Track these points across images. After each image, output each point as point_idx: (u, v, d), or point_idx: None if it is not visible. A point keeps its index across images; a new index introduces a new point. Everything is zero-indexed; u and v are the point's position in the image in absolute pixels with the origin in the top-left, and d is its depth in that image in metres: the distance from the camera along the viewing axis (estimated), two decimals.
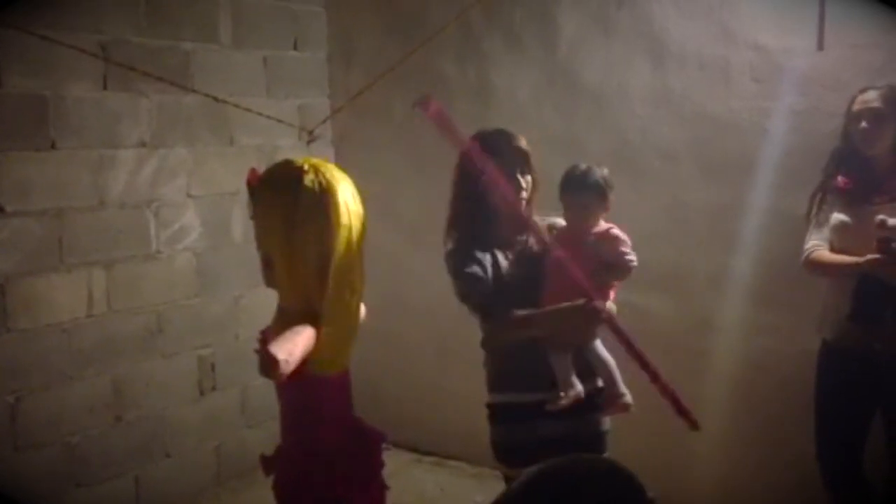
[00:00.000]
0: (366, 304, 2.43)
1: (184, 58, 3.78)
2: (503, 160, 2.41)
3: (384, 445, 2.41)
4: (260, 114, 3.35)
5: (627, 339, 2.33)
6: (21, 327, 3.27)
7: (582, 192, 2.46)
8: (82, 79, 3.42)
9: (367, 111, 4.25)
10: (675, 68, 3.51)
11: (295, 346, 2.08)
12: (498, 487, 2.17)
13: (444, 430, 4.22)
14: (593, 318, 2.35)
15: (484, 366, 2.59)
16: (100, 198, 3.51)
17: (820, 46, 3.00)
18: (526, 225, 2.44)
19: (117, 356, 3.59)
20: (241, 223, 3.99)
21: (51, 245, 3.35)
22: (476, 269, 2.39)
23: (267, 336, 2.19)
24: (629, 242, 2.49)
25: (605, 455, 2.45)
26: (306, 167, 2.20)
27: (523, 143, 2.49)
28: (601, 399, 2.52)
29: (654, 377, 2.34)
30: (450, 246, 2.49)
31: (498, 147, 2.44)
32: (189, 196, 3.85)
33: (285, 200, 2.17)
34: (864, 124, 2.72)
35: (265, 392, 2.99)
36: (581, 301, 2.32)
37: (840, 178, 2.80)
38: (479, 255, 2.41)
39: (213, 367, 3.98)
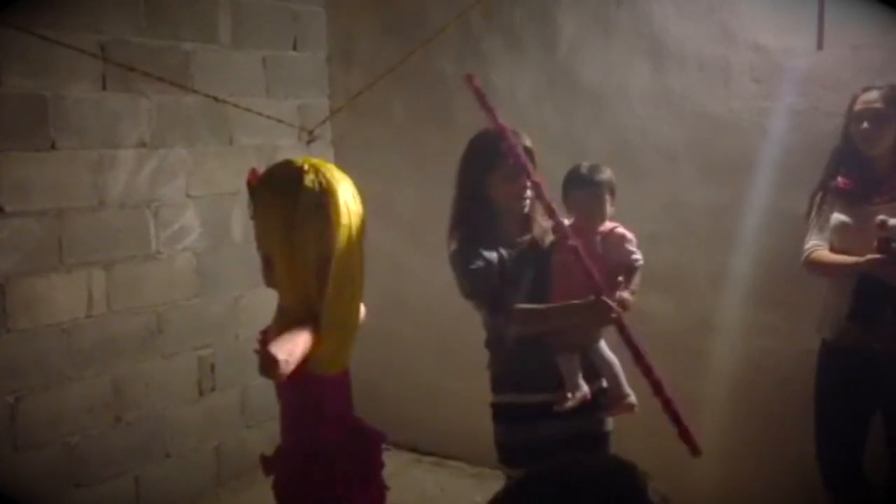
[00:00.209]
0: (366, 304, 2.43)
1: (183, 58, 3.78)
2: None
3: (384, 445, 2.41)
4: (260, 114, 3.35)
5: (635, 345, 2.32)
6: (21, 327, 3.27)
7: (590, 189, 2.45)
8: (82, 79, 3.42)
9: (366, 111, 4.25)
10: (674, 68, 3.51)
11: (295, 346, 2.08)
12: (498, 488, 2.17)
13: (444, 430, 4.22)
14: (603, 315, 2.34)
15: (488, 367, 2.59)
16: (99, 198, 3.51)
17: (819, 46, 3.00)
18: (553, 219, 2.41)
19: (117, 356, 3.59)
20: (240, 223, 3.99)
21: (50, 245, 3.35)
22: (482, 265, 2.38)
23: (267, 336, 2.19)
24: (635, 241, 2.48)
25: (611, 454, 2.44)
26: (306, 167, 2.20)
27: (528, 141, 2.49)
28: (605, 400, 2.52)
29: (658, 389, 2.33)
30: (454, 246, 2.48)
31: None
32: (189, 196, 3.85)
33: (285, 201, 2.17)
34: (865, 125, 2.72)
35: (265, 392, 2.99)
36: (592, 297, 2.32)
37: (840, 178, 2.80)
38: (485, 252, 2.41)
39: (212, 367, 3.98)
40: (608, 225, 2.49)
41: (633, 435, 2.68)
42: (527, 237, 2.52)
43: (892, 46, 3.04)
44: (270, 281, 2.28)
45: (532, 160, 2.45)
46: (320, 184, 2.17)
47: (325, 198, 2.16)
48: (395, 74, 3.30)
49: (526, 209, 2.48)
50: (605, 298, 2.30)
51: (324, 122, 3.95)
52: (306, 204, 2.15)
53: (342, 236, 2.18)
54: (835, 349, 2.87)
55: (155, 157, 3.71)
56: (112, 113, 3.53)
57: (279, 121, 3.57)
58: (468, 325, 2.64)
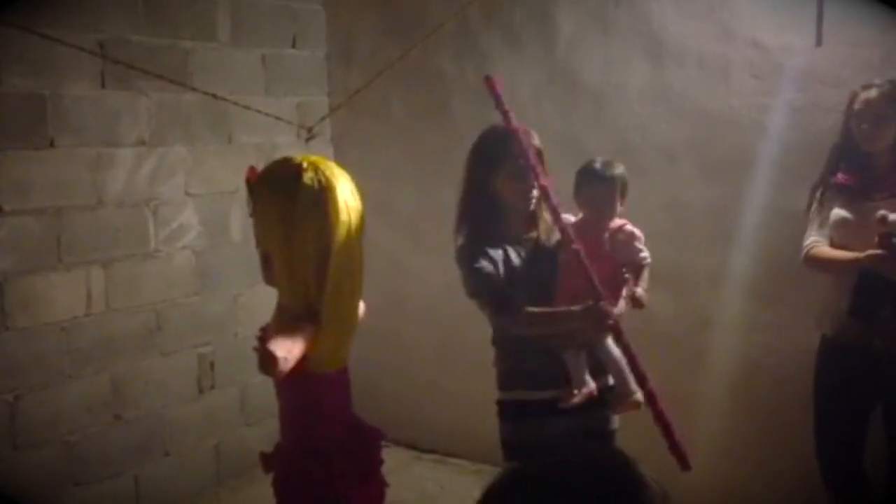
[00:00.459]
0: (365, 302, 2.43)
1: (183, 56, 3.78)
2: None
3: (383, 443, 2.41)
4: (259, 111, 3.35)
5: (632, 353, 2.33)
6: (20, 326, 3.27)
7: (603, 184, 2.46)
8: (81, 77, 3.41)
9: (365, 109, 4.24)
10: (673, 66, 3.51)
11: (294, 343, 2.08)
12: None
13: (444, 428, 4.22)
14: (601, 321, 2.34)
15: (494, 364, 2.59)
16: (98, 196, 3.51)
17: (818, 42, 3.00)
18: (557, 224, 2.42)
19: (116, 355, 3.59)
20: (240, 221, 3.99)
21: (49, 244, 3.35)
22: (486, 265, 2.38)
23: (266, 333, 2.19)
24: (643, 239, 2.49)
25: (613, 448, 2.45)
26: (305, 165, 2.20)
27: (538, 141, 2.50)
28: (611, 397, 2.52)
29: (651, 399, 2.34)
30: (460, 241, 2.49)
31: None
32: (188, 194, 3.85)
33: (284, 198, 2.17)
34: (865, 122, 2.72)
35: (264, 390, 2.98)
36: (590, 303, 2.32)
37: (840, 174, 2.80)
38: (491, 251, 2.41)
39: (212, 365, 3.97)
40: (617, 222, 2.49)
41: (635, 432, 2.68)
42: (533, 234, 2.52)
43: (890, 44, 3.04)
44: (269, 278, 2.28)
45: (542, 160, 2.45)
46: (319, 181, 2.17)
47: (323, 195, 2.16)
48: (394, 72, 3.29)
49: (532, 207, 2.48)
50: (602, 305, 2.30)
51: (323, 119, 3.94)
52: (305, 201, 2.15)
53: (341, 233, 2.18)
54: (835, 345, 2.86)
55: (154, 156, 3.70)
56: (111, 111, 3.53)
57: (278, 118, 3.56)
58: (468, 322, 2.63)
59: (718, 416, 3.41)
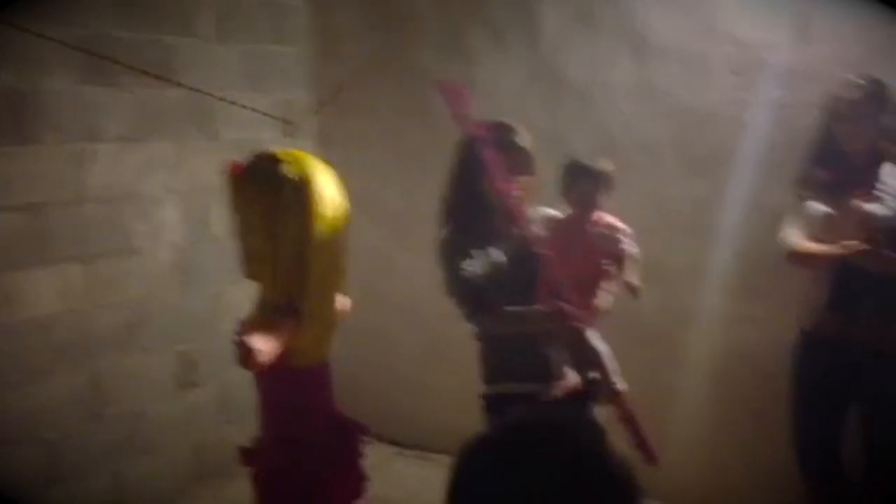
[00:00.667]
0: (350, 299, 2.42)
1: (165, 52, 3.75)
2: (513, 155, 2.43)
3: (364, 437, 2.40)
4: (244, 106, 3.33)
5: (595, 351, 2.36)
6: None
7: (590, 179, 2.49)
8: (62, 72, 3.38)
9: (351, 107, 4.23)
10: (657, 63, 3.52)
11: (273, 336, 2.08)
12: None
13: (427, 424, 4.21)
14: (560, 324, 2.37)
15: (478, 359, 2.60)
16: (79, 192, 3.47)
17: (802, 40, 3.01)
18: (521, 227, 2.44)
19: (96, 351, 3.55)
20: (222, 218, 3.96)
21: (30, 240, 3.31)
22: (466, 264, 2.39)
23: (245, 326, 2.18)
24: (627, 230, 2.52)
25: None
26: (287, 159, 2.19)
27: (522, 139, 2.50)
28: (595, 389, 2.53)
29: (615, 397, 2.37)
30: (443, 234, 2.49)
31: (508, 141, 2.46)
32: (170, 190, 3.82)
33: (266, 191, 2.17)
34: (844, 118, 2.72)
35: (245, 388, 2.95)
36: (550, 306, 2.35)
37: (820, 170, 2.80)
38: (473, 250, 2.42)
39: (193, 363, 3.95)
40: (599, 215, 2.52)
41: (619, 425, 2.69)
42: (517, 232, 2.52)
43: (872, 40, 3.06)
44: (250, 272, 2.27)
45: (529, 160, 2.47)
46: (300, 175, 2.17)
47: (305, 189, 2.16)
48: (380, 71, 3.29)
49: (513, 207, 2.48)
50: (564, 306, 2.32)
51: (310, 117, 3.92)
52: (287, 195, 2.15)
53: (323, 227, 2.18)
54: (813, 340, 2.86)
55: (136, 152, 3.67)
56: (92, 106, 3.50)
57: (264, 114, 3.54)
58: (452, 320, 2.62)
59: (700, 407, 3.43)
